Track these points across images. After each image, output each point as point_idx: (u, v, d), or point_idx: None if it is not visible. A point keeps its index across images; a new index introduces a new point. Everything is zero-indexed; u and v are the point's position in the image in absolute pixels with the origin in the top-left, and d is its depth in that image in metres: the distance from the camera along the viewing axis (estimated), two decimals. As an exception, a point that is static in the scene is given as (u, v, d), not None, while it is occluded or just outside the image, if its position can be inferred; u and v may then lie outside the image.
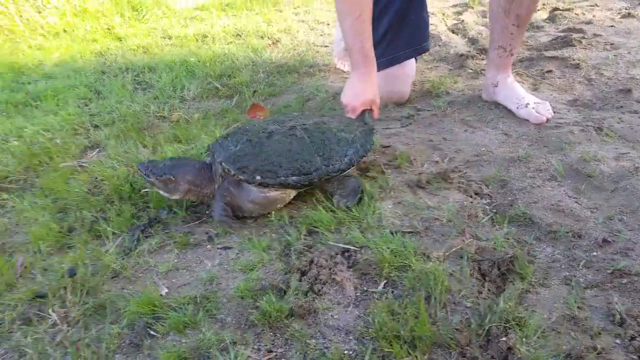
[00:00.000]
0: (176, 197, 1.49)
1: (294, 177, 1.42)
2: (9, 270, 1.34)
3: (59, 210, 1.59)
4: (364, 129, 1.62)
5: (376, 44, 1.95)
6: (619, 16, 2.90)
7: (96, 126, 2.16)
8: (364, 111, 1.73)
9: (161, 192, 1.49)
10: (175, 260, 1.34)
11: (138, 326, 1.13)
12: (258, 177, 1.41)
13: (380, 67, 2.01)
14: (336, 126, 1.56)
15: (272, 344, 1.07)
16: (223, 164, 1.44)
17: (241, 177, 1.42)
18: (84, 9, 4.01)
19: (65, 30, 3.73)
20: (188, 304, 1.17)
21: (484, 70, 2.41)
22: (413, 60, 2.15)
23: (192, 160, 1.58)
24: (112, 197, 1.60)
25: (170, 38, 3.41)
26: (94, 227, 1.48)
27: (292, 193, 1.50)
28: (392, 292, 1.17)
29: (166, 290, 1.23)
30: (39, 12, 3.85)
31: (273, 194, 1.45)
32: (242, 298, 1.18)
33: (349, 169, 1.50)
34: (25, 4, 3.81)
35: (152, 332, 1.12)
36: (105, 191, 1.63)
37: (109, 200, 1.60)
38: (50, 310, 1.20)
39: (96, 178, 1.71)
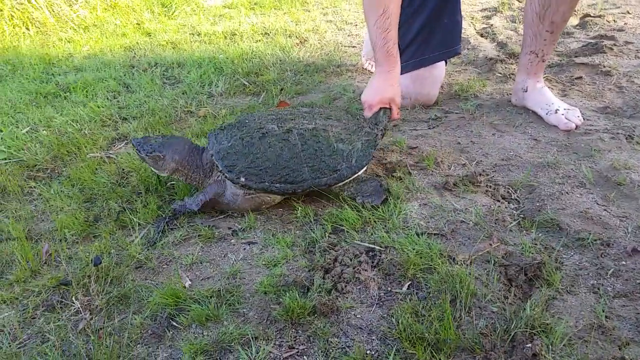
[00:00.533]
0: (164, 174, 1.53)
1: (277, 185, 1.43)
2: (34, 256, 1.35)
3: (85, 199, 1.60)
4: (367, 140, 1.56)
5: (407, 45, 1.94)
6: (651, 24, 2.86)
7: (124, 119, 2.18)
8: (380, 109, 1.69)
9: (152, 168, 1.53)
10: (200, 253, 1.34)
11: (161, 317, 1.14)
12: (242, 179, 1.42)
13: (410, 68, 2.00)
14: (336, 134, 1.52)
15: (294, 341, 1.06)
16: (213, 157, 1.46)
17: (226, 175, 1.43)
18: (114, 4, 4.05)
19: (95, 25, 3.77)
20: (211, 297, 1.17)
21: (513, 74, 2.38)
22: (443, 62, 2.12)
23: (184, 140, 1.59)
24: (139, 188, 1.60)
25: (199, 35, 3.43)
26: (120, 217, 1.49)
27: (278, 198, 1.50)
28: (417, 293, 1.15)
29: (189, 283, 1.23)
30: (70, 6, 3.89)
31: (259, 197, 1.48)
32: (265, 293, 1.18)
33: (336, 184, 1.48)
34: (57, -3, 3.85)
35: (174, 324, 1.12)
36: (132, 182, 1.64)
37: (135, 191, 1.60)
38: (73, 298, 1.20)
39: (123, 169, 1.72)
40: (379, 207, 1.45)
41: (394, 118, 1.74)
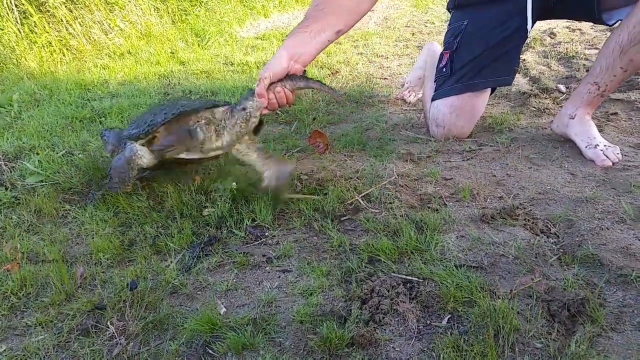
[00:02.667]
0: (107, 154, 1.86)
1: (134, 131, 1.64)
2: (69, 280, 1.35)
3: (120, 223, 1.60)
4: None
5: (462, 66, 1.93)
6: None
7: (158, 144, 2.19)
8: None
9: (105, 151, 1.85)
10: (234, 280, 1.33)
11: (196, 344, 1.12)
12: (125, 132, 1.69)
13: (457, 91, 1.99)
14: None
15: (332, 373, 1.04)
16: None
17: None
18: (148, 33, 4.13)
19: (129, 52, 3.85)
20: (247, 325, 1.15)
21: (547, 109, 2.36)
22: (486, 98, 2.10)
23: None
24: (174, 213, 1.60)
25: (232, 64, 3.47)
26: (155, 242, 1.48)
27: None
28: (458, 327, 1.12)
29: (224, 310, 1.22)
30: (106, 34, 3.98)
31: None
32: (302, 322, 1.16)
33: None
34: (93, 25, 3.94)
35: (210, 351, 1.10)
36: (166, 207, 1.64)
37: (170, 216, 1.60)
38: (108, 323, 1.20)
39: (157, 194, 1.72)
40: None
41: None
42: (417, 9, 5.31)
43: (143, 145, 1.62)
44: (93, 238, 1.53)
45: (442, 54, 2.18)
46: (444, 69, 2.11)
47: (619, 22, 1.85)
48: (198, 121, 1.60)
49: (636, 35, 1.70)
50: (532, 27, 1.98)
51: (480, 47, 2.00)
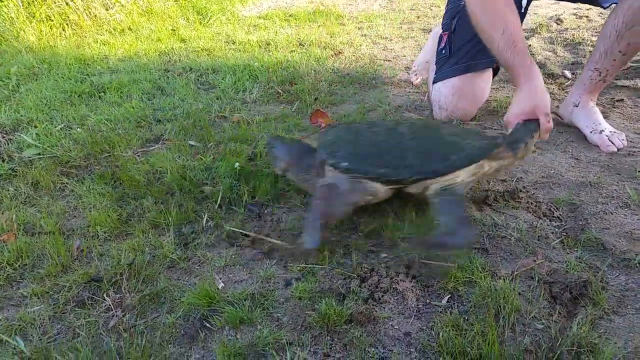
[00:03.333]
0: (279, 172, 1.53)
1: (381, 170, 1.30)
2: (65, 252, 1.33)
3: (118, 197, 1.58)
4: (485, 143, 1.38)
5: (460, 47, 1.90)
6: (695, 50, 2.80)
7: (159, 121, 2.17)
8: (522, 123, 1.45)
9: (272, 164, 1.56)
10: (233, 256, 1.31)
11: (193, 318, 1.11)
12: (344, 163, 1.32)
13: (457, 72, 1.97)
14: (449, 131, 1.44)
15: (330, 349, 1.03)
16: (318, 148, 1.43)
17: (330, 160, 1.35)
18: (150, 9, 4.09)
19: (130, 29, 3.80)
20: (245, 300, 1.14)
21: (552, 94, 2.34)
22: (490, 76, 2.07)
23: (304, 145, 1.53)
24: (173, 188, 1.58)
25: (234, 43, 3.44)
26: (153, 216, 1.47)
27: (382, 190, 1.34)
28: (458, 307, 1.11)
29: (222, 285, 1.21)
30: (107, 10, 3.93)
31: (364, 186, 1.33)
32: (300, 299, 1.15)
33: (446, 174, 1.30)
34: (94, 0, 3.90)
35: (207, 325, 1.09)
36: (166, 182, 1.62)
37: (169, 191, 1.58)
38: (104, 295, 1.18)
39: (157, 170, 1.70)
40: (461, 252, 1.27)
41: (544, 129, 1.43)
42: (421, -8, 5.27)
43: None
44: (90, 211, 1.51)
45: (441, 36, 2.15)
46: (444, 51, 2.09)
47: (613, 5, 1.84)
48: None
49: (631, 18, 1.69)
50: (527, 3, 1.96)
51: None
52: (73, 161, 1.82)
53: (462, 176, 1.32)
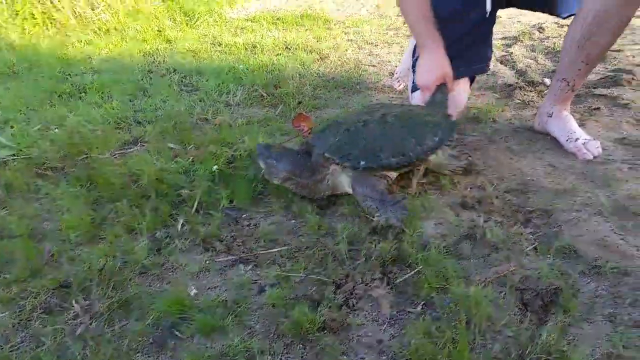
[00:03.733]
0: (277, 182, 1.54)
1: (393, 159, 1.48)
2: (35, 256, 1.30)
3: (93, 200, 1.56)
4: (444, 113, 1.69)
5: None
6: (670, 62, 2.81)
7: (139, 122, 2.14)
8: (438, 87, 1.77)
9: (266, 175, 1.54)
10: (208, 262, 1.29)
11: (163, 325, 1.09)
12: (362, 163, 1.46)
13: None
14: (421, 112, 1.64)
15: (302, 357, 1.01)
16: (326, 154, 1.50)
17: (346, 164, 1.48)
18: (136, 10, 4.05)
19: (115, 29, 3.76)
20: (217, 307, 1.12)
21: (532, 101, 2.34)
22: (467, 84, 2.07)
23: (300, 151, 1.64)
24: (149, 192, 1.56)
25: (219, 45, 3.41)
26: (127, 220, 1.44)
27: (394, 174, 1.56)
28: (431, 313, 1.10)
29: (195, 292, 1.18)
30: (92, 9, 3.89)
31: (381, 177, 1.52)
32: (274, 306, 1.13)
33: (440, 146, 1.56)
34: None
35: (177, 333, 1.07)
36: (142, 185, 1.59)
37: (145, 195, 1.56)
38: (73, 301, 1.16)
39: (134, 173, 1.67)
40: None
41: (450, 90, 1.80)
42: (410, -2, 5.26)
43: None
44: (64, 214, 1.48)
45: (415, 46, 2.14)
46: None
47: (572, 16, 1.84)
48: None
49: (587, 29, 1.70)
50: (490, 9, 1.96)
51: (448, 38, 1.98)
52: (49, 163, 1.79)
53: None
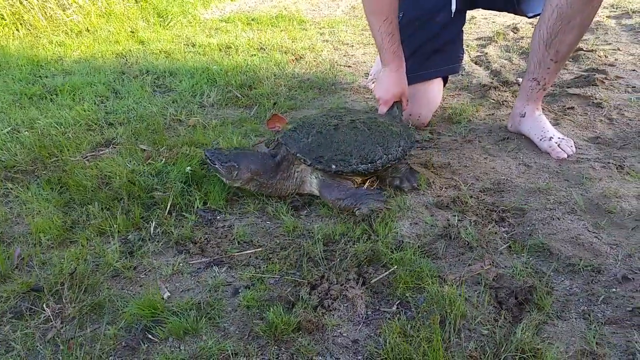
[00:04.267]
0: (237, 185, 1.54)
1: (362, 166, 1.53)
2: (5, 260, 1.28)
3: (64, 203, 1.53)
4: (403, 125, 1.77)
5: (407, 58, 1.92)
6: (640, 62, 2.87)
7: (111, 124, 2.12)
8: (394, 103, 1.88)
9: (223, 179, 1.53)
10: (181, 264, 1.28)
11: (136, 329, 1.07)
12: (333, 166, 1.51)
13: (409, 82, 1.98)
14: (385, 121, 1.70)
15: (277, 358, 1.00)
16: (298, 154, 1.51)
17: (317, 166, 1.50)
18: (109, 11, 4.01)
19: (88, 30, 3.72)
20: (190, 310, 1.11)
21: (506, 101, 2.37)
22: (440, 86, 2.10)
23: (256, 151, 1.66)
24: (121, 194, 1.54)
25: (193, 46, 3.39)
26: (98, 223, 1.42)
27: (358, 180, 1.61)
28: (406, 313, 1.11)
29: (168, 294, 1.17)
30: (64, 10, 3.84)
31: (345, 181, 1.56)
32: (248, 308, 1.12)
33: (403, 157, 1.62)
34: (50, 0, 3.80)
35: (150, 336, 1.05)
36: (113, 188, 1.58)
37: (117, 197, 1.54)
38: (44, 305, 1.14)
39: (105, 175, 1.65)
40: (419, 186, 1.60)
41: (404, 109, 1.93)
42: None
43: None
44: (34, 218, 1.46)
45: None
46: None
47: (538, 15, 1.88)
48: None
49: (553, 27, 1.74)
50: (455, 9, 1.99)
51: (419, 39, 2.03)
52: (19, 166, 1.76)
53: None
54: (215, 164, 1.51)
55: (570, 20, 1.68)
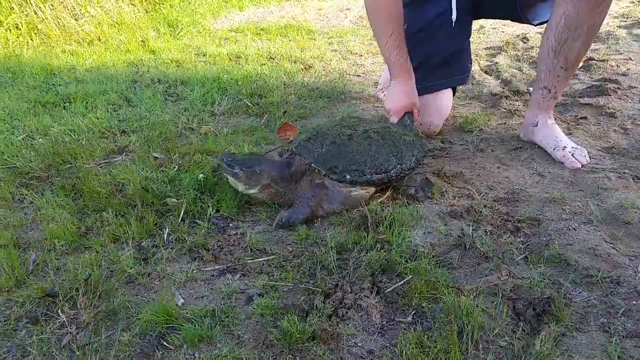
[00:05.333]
0: (253, 191, 1.52)
1: (376, 176, 1.53)
2: (20, 265, 1.28)
3: (78, 209, 1.54)
4: (415, 135, 1.77)
5: (415, 69, 1.92)
6: (653, 71, 2.86)
7: (123, 132, 2.13)
8: (405, 114, 1.88)
9: (239, 184, 1.52)
10: (195, 271, 1.28)
11: (150, 336, 1.08)
12: (348, 177, 1.51)
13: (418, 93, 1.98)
14: (398, 130, 1.71)
15: (291, 368, 1.00)
16: (312, 164, 1.51)
17: (332, 176, 1.51)
18: (120, 21, 4.04)
19: (99, 39, 3.75)
20: (205, 317, 1.11)
21: (517, 110, 2.37)
22: (449, 95, 2.10)
23: (269, 157, 1.68)
24: (135, 200, 1.55)
25: (204, 55, 3.41)
26: (112, 229, 1.43)
27: (372, 190, 1.59)
28: (422, 323, 1.10)
29: (182, 301, 1.17)
30: (76, 20, 3.88)
31: (360, 192, 1.55)
32: (262, 316, 1.12)
33: (417, 166, 1.64)
34: (64, 10, 3.84)
35: (164, 343, 1.06)
36: (127, 194, 1.59)
37: (130, 204, 1.55)
38: (59, 311, 1.14)
39: (119, 182, 1.67)
40: (433, 196, 1.61)
41: (415, 119, 1.92)
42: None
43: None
44: (49, 224, 1.47)
45: None
46: None
47: (544, 23, 1.89)
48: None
49: (561, 35, 1.74)
50: (456, 19, 2.00)
51: (425, 50, 2.03)
52: (33, 172, 1.77)
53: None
54: (234, 169, 1.49)
55: (577, 27, 1.68)
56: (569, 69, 1.81)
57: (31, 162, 1.82)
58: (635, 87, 2.56)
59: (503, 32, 3.92)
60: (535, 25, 2.01)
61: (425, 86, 2.02)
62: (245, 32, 4.11)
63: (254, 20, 4.74)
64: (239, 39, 3.90)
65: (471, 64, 2.17)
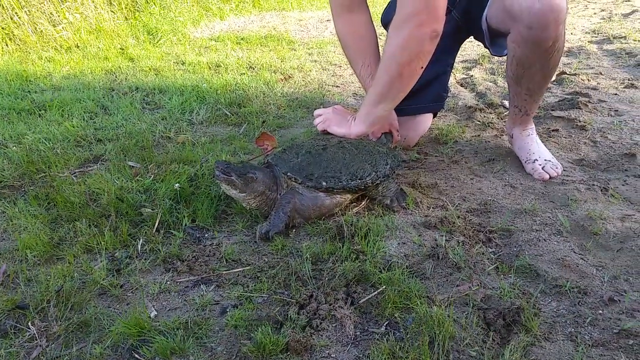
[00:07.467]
0: (248, 198, 1.52)
1: (352, 182, 1.55)
2: (-10, 277, 1.27)
3: (51, 219, 1.53)
4: (387, 149, 1.78)
5: None
6: (622, 86, 2.89)
7: (99, 140, 2.12)
8: (382, 134, 1.92)
9: (234, 190, 1.49)
10: (168, 283, 1.27)
11: (122, 348, 1.07)
12: (324, 183, 1.52)
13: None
14: (371, 143, 1.78)
15: (264, 380, 1.00)
16: (289, 174, 1.53)
17: (308, 184, 1.52)
18: (99, 27, 4.02)
19: (77, 46, 3.73)
20: (177, 329, 1.10)
21: (491, 123, 2.40)
22: (430, 116, 2.13)
23: (260, 165, 1.67)
24: (109, 211, 1.53)
25: (183, 64, 3.40)
26: (85, 240, 1.41)
27: (348, 198, 1.61)
28: (394, 334, 1.11)
29: (155, 313, 1.16)
30: (54, 26, 3.85)
31: (336, 198, 1.57)
32: (236, 327, 1.11)
33: (392, 174, 1.64)
34: (41, 16, 3.81)
35: (136, 356, 1.04)
36: (101, 204, 1.57)
37: (104, 214, 1.53)
38: (29, 323, 1.13)
39: (93, 191, 1.65)
40: (407, 206, 1.62)
41: (395, 140, 1.96)
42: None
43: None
44: (21, 234, 1.45)
45: None
46: None
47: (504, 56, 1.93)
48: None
49: (516, 71, 1.78)
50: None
51: None
52: (6, 181, 1.75)
53: None
54: (231, 176, 1.46)
55: (530, 66, 1.72)
56: (532, 95, 1.85)
57: (4, 170, 1.80)
58: (604, 101, 2.61)
59: (479, 45, 3.93)
60: (501, 57, 2.03)
61: (402, 109, 1.99)
62: (226, 41, 4.11)
63: (235, 29, 4.74)
64: (219, 48, 3.90)
65: (447, 93, 2.19)
